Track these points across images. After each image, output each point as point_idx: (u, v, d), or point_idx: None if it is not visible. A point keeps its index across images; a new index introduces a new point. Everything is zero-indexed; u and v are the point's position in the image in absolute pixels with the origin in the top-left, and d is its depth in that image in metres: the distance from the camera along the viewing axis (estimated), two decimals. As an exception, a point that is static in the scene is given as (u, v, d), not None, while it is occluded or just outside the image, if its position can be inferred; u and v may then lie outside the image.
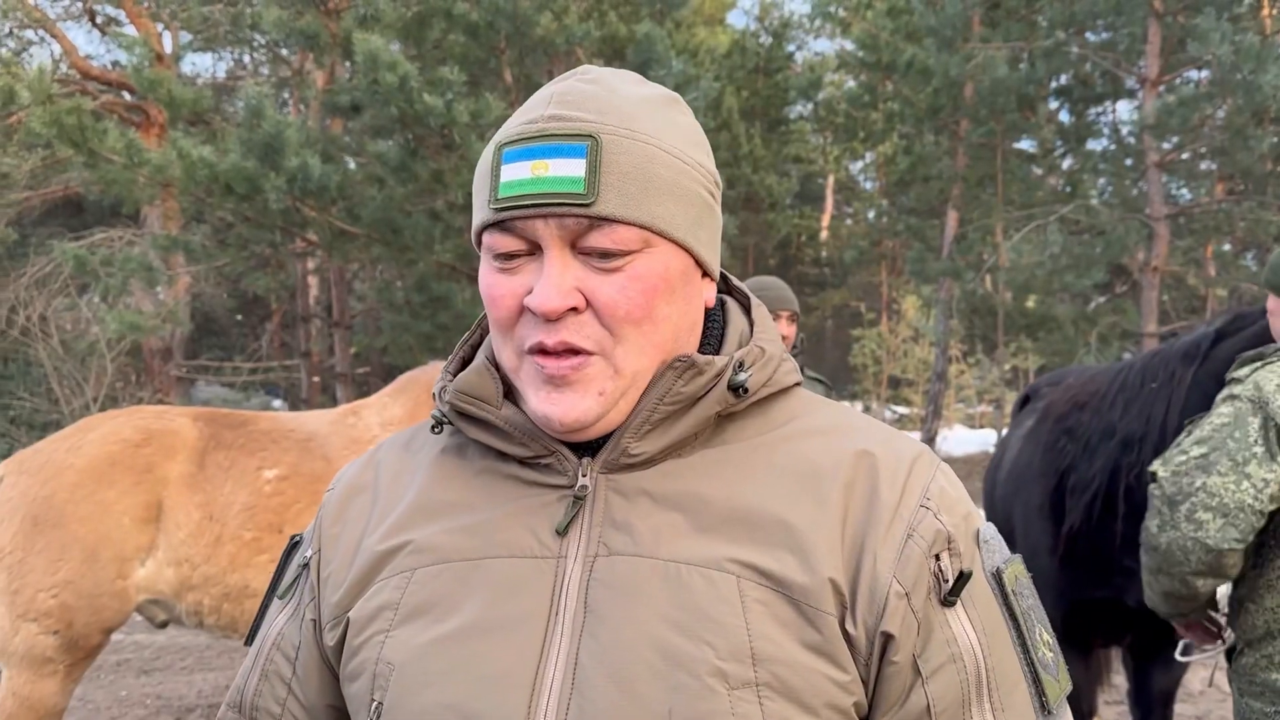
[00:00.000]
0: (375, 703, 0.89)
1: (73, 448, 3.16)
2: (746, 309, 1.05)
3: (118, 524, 3.08)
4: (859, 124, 18.39)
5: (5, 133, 14.51)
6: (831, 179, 28.78)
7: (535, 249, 0.88)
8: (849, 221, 29.44)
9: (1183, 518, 2.09)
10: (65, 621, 3.03)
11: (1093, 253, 12.54)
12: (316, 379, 14.00)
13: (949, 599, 0.88)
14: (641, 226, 0.87)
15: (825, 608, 0.84)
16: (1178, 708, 5.03)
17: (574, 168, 0.85)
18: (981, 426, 22.59)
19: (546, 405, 0.88)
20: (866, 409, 21.25)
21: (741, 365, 0.93)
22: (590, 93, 0.90)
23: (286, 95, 16.71)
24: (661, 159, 0.89)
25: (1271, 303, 2.39)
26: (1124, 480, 2.92)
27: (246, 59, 19.56)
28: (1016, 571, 0.94)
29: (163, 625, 3.39)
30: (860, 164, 28.05)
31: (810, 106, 24.09)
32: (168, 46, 16.13)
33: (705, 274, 0.97)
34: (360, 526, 1.01)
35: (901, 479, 0.91)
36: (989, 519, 4.04)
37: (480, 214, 0.91)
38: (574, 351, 0.87)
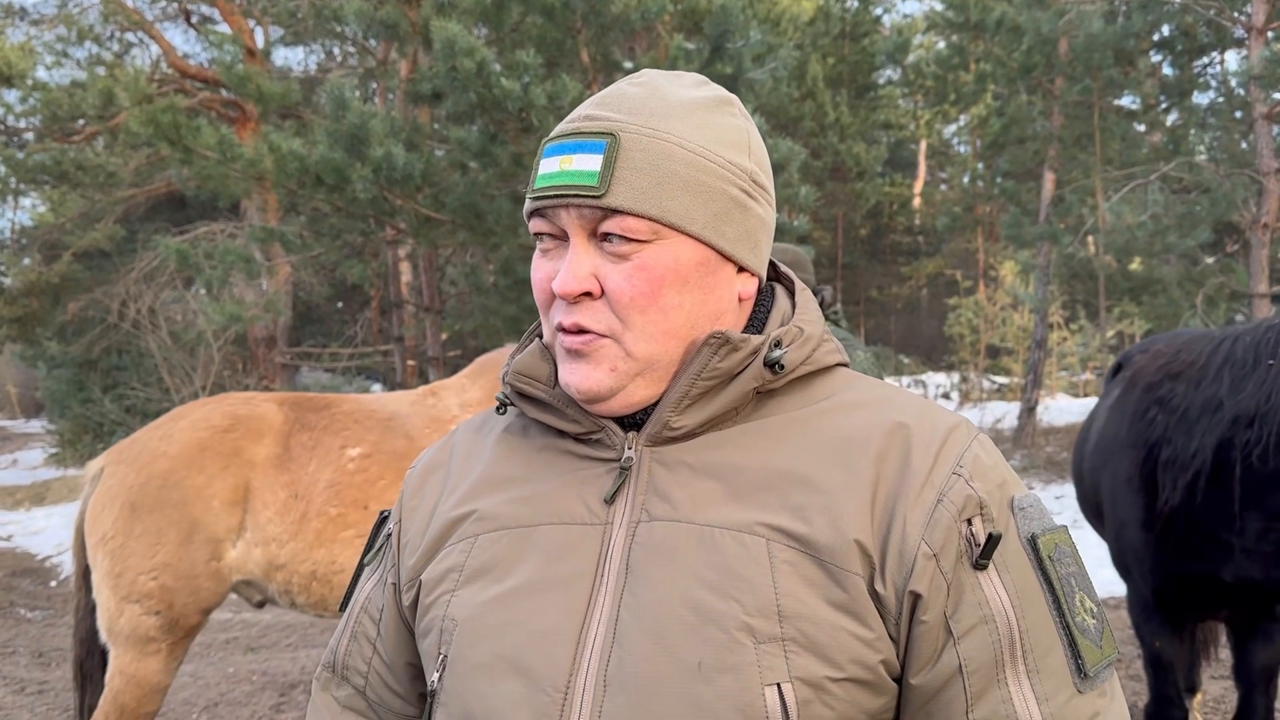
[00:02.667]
0: (441, 655, 0.99)
1: (165, 435, 3.30)
2: (793, 293, 1.11)
3: (208, 507, 3.22)
4: (950, 86, 17.87)
5: (110, 134, 15.12)
6: (924, 144, 28.12)
7: (566, 236, 0.98)
8: (943, 187, 28.76)
9: None
10: (166, 602, 3.18)
11: (1198, 211, 12.01)
12: (412, 363, 14.31)
13: (980, 562, 0.91)
14: (650, 219, 0.94)
15: (851, 568, 0.90)
16: (1288, 683, 4.83)
17: (592, 162, 0.94)
18: (1085, 395, 21.91)
19: (566, 374, 0.98)
20: (964, 379, 20.78)
21: (779, 343, 0.99)
22: (630, 94, 0.99)
23: (373, 86, 17.02)
24: (680, 156, 0.96)
25: None
26: (1239, 457, 2.82)
27: (336, 51, 19.99)
28: (1057, 539, 0.96)
29: (260, 605, 3.52)
30: (953, 128, 27.31)
31: (899, 71, 23.53)
32: (259, 42, 16.59)
33: (742, 269, 1.03)
34: (435, 498, 1.12)
35: (935, 448, 0.95)
36: (1078, 491, 3.94)
37: (527, 203, 1.02)
38: (586, 331, 0.96)
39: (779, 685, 0.86)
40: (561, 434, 1.05)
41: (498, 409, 1.11)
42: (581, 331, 0.96)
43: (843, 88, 23.99)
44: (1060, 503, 10.21)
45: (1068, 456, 13.18)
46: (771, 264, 1.12)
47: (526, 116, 7.71)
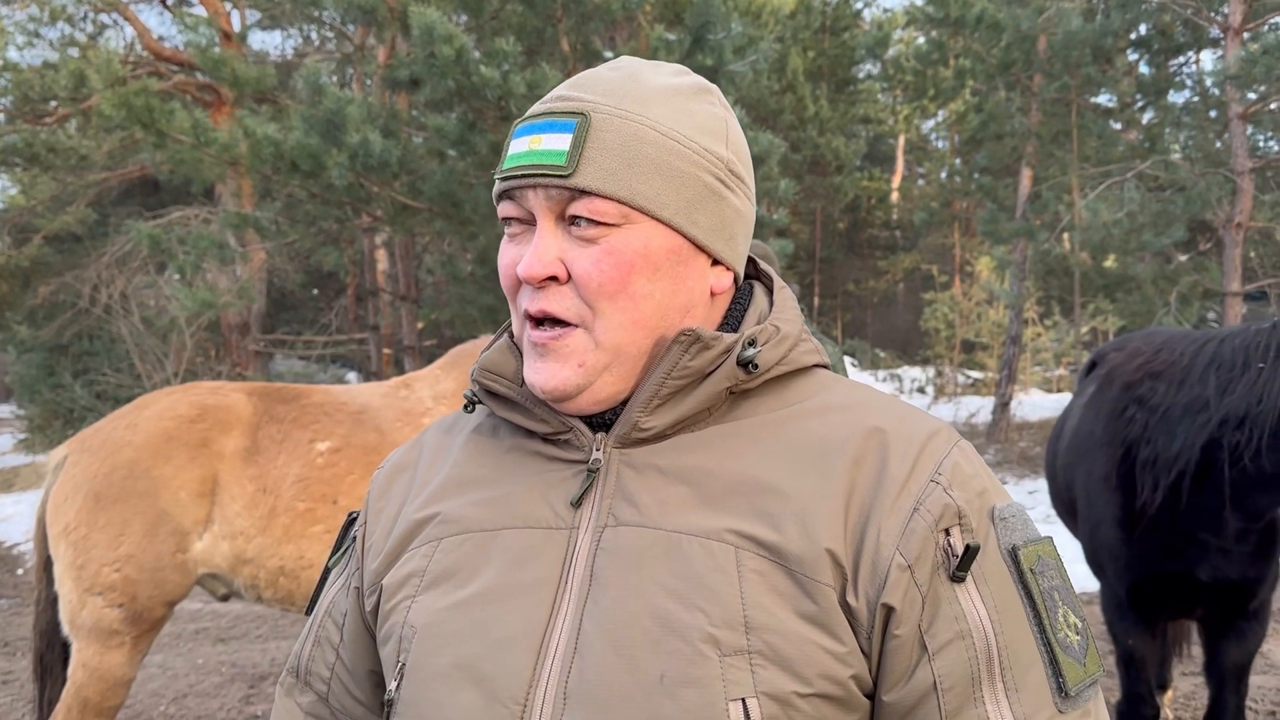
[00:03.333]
0: (400, 664, 0.95)
1: (130, 425, 3.24)
2: (771, 291, 1.07)
3: (175, 499, 3.16)
4: (929, 82, 17.91)
5: (82, 116, 14.91)
6: (902, 139, 28.20)
7: (533, 219, 0.94)
8: (920, 182, 28.84)
9: None
10: (129, 595, 3.12)
11: (1173, 209, 12.08)
12: (388, 352, 14.22)
13: (957, 574, 0.87)
14: (619, 201, 0.90)
15: (822, 578, 0.85)
16: (1259, 679, 4.88)
17: (560, 141, 0.91)
18: (1059, 391, 22.07)
19: (531, 373, 0.95)
20: (939, 374, 20.89)
21: (753, 342, 0.94)
22: (605, 77, 0.96)
23: (350, 71, 16.87)
24: (651, 138, 0.92)
25: None
26: (1226, 458, 2.83)
27: (313, 36, 19.80)
28: (1040, 551, 0.92)
29: (224, 599, 3.47)
30: (931, 123, 27.40)
31: (878, 65, 23.56)
32: (236, 25, 16.39)
33: (716, 261, 0.98)
34: (400, 500, 1.08)
35: (913, 454, 0.91)
36: (1050, 488, 3.94)
37: (495, 184, 0.97)
38: (556, 321, 0.92)
39: (744, 700, 0.82)
40: (530, 434, 1.01)
41: (466, 407, 1.07)
42: (549, 321, 0.93)
43: (822, 81, 24.00)
44: (1033, 498, 10.27)
45: (1041, 451, 13.27)
46: (751, 260, 1.08)
47: (506, 105, 7.66)
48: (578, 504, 0.94)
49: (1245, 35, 11.55)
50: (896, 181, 28.49)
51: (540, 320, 0.94)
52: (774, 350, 0.96)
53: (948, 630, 0.86)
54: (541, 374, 0.93)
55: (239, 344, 16.38)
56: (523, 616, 0.90)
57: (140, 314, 15.41)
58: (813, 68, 23.39)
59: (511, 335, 1.03)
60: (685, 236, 0.94)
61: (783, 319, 1.00)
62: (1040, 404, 18.72)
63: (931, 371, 21.33)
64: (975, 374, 21.69)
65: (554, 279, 0.92)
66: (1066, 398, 19.40)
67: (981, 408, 17.11)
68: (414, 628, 0.94)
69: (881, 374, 21.52)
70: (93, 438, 3.26)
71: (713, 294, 0.99)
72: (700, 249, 0.96)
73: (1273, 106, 12.36)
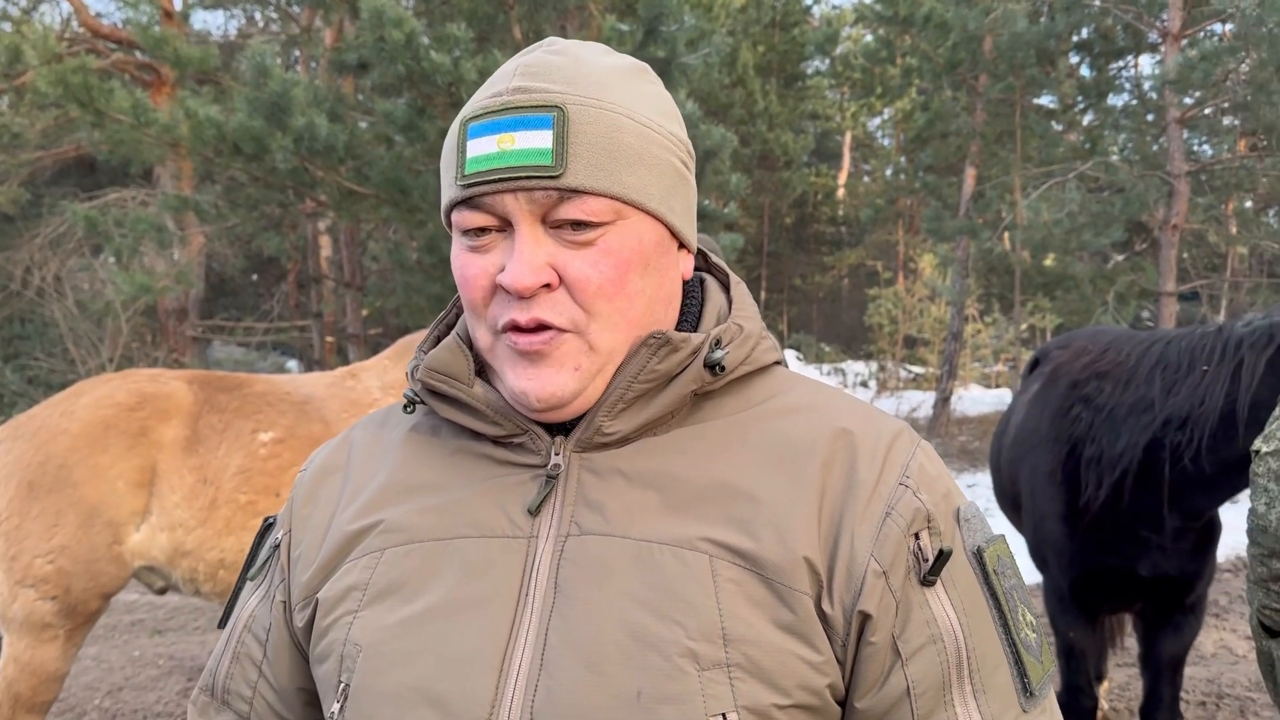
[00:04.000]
0: (342, 684, 0.89)
1: (66, 412, 3.14)
2: (726, 286, 1.04)
3: (112, 489, 3.07)
4: (876, 79, 18.11)
5: (16, 93, 14.47)
6: (849, 136, 28.47)
7: (505, 225, 0.87)
8: (866, 179, 29.16)
9: None
10: (63, 587, 3.03)
11: (1112, 210, 12.34)
12: (330, 340, 14.01)
13: (928, 578, 0.86)
14: (612, 197, 0.86)
15: (799, 586, 0.83)
16: (1191, 670, 5.01)
17: (541, 139, 0.84)
18: (997, 386, 22.46)
19: (523, 381, 0.88)
20: (882, 368, 21.15)
21: (718, 343, 0.92)
22: (556, 64, 0.89)
23: (296, 53, 16.58)
24: (629, 128, 0.88)
25: None
26: (1168, 458, 2.88)
27: (257, 16, 19.41)
28: (999, 551, 0.92)
29: (161, 591, 3.39)
30: (877, 120, 27.70)
31: (827, 62, 23.74)
32: (178, 3, 16.01)
33: (682, 246, 0.96)
34: (331, 507, 1.01)
35: (880, 457, 0.89)
36: (995, 483, 4.00)
37: (449, 192, 0.89)
38: (547, 327, 0.86)
39: (724, 715, 0.80)
40: (477, 435, 0.96)
41: (405, 408, 1.01)
42: (541, 328, 0.86)
43: (772, 76, 24.11)
44: (973, 491, 10.44)
45: (980, 446, 13.50)
46: (702, 253, 1.05)
47: (456, 91, 7.57)
48: (535, 511, 0.89)
49: (1183, 41, 11.81)
50: (843, 178, 28.76)
51: (523, 328, 0.87)
52: (739, 350, 0.94)
53: (920, 635, 0.85)
54: (536, 381, 0.87)
55: (176, 330, 16.03)
56: (480, 632, 0.85)
57: (74, 297, 15.03)
58: (762, 62, 23.49)
59: (454, 332, 0.99)
60: (666, 225, 0.92)
61: (743, 317, 0.98)
62: (980, 399, 19.04)
63: (874, 366, 21.58)
64: (917, 369, 21.99)
65: (545, 287, 0.86)
66: (1005, 393, 19.75)
67: (923, 402, 17.36)
68: (358, 645, 0.89)
69: (826, 368, 21.72)
70: (27, 425, 3.16)
71: (683, 280, 0.98)
72: (674, 236, 0.94)
73: (1208, 111, 12.68)
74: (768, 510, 0.86)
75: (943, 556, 0.86)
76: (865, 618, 0.84)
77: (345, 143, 7.81)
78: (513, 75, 0.89)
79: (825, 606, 0.84)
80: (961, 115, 15.19)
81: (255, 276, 22.70)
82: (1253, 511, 2.15)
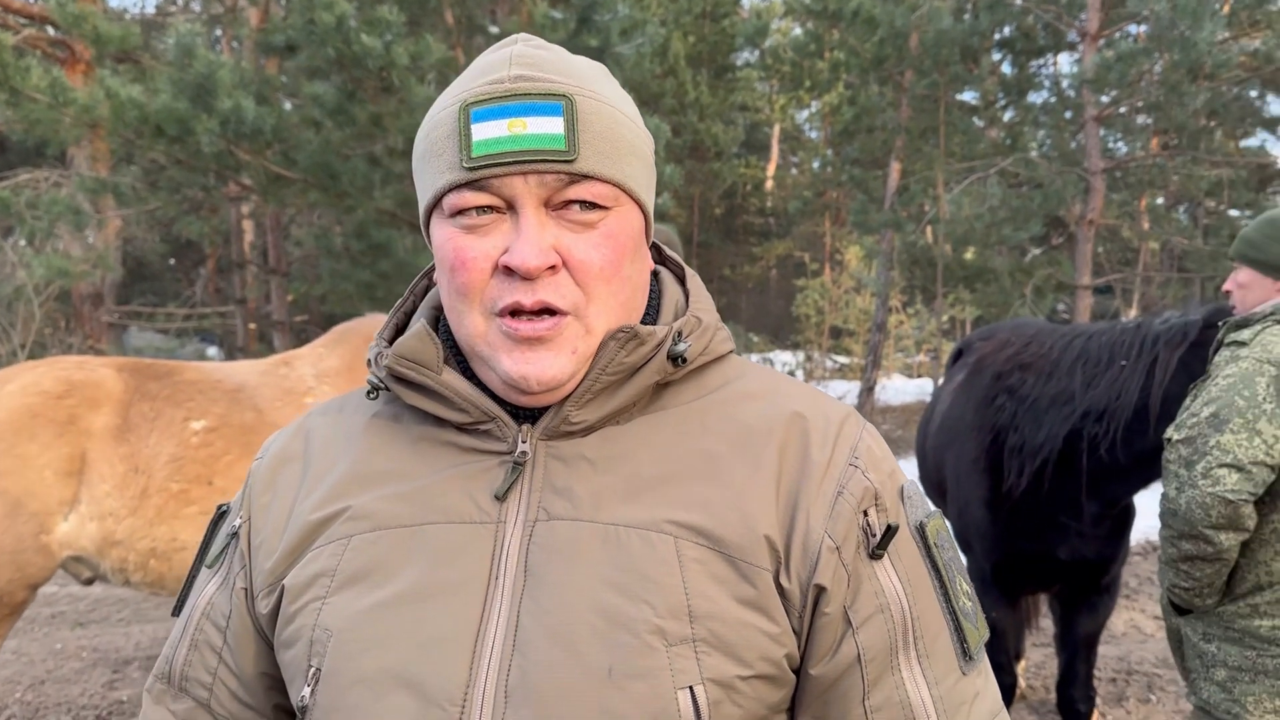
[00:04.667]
0: (313, 669, 0.91)
1: (-10, 400, 3.07)
2: (681, 279, 1.08)
3: (39, 478, 3.01)
4: (805, 73, 18.30)
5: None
6: (777, 128, 28.71)
7: (505, 208, 0.89)
8: (794, 171, 29.44)
9: (1200, 475, 2.18)
10: (-12, 577, 2.96)
11: (1031, 205, 12.68)
12: (253, 326, 13.75)
13: (876, 552, 0.91)
14: (615, 184, 0.90)
15: (760, 563, 0.88)
16: (1102, 649, 5.22)
17: (553, 125, 0.87)
18: (919, 376, 22.95)
19: (522, 366, 0.90)
20: (809, 358, 21.45)
21: (680, 335, 0.96)
22: (546, 57, 0.93)
23: (219, 33, 16.17)
24: (624, 121, 0.93)
25: (1244, 275, 2.49)
26: (1086, 448, 3.01)
27: (177, -6, 18.89)
28: (938, 525, 0.98)
29: (88, 582, 3.33)
30: (805, 113, 27.98)
31: (757, 54, 23.92)
32: (93, -21, 15.49)
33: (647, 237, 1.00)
34: (291, 495, 1.02)
35: (831, 439, 0.95)
36: (920, 469, 4.13)
37: (447, 175, 0.90)
38: (550, 312, 0.89)
39: (691, 688, 0.84)
40: (441, 422, 0.98)
41: (368, 394, 1.02)
42: (546, 313, 0.89)
43: (703, 67, 24.20)
44: (897, 479, 10.65)
45: (903, 434, 13.79)
46: (655, 246, 1.08)
47: (387, 76, 7.48)
48: (503, 497, 0.92)
49: (1101, 42, 12.17)
50: (771, 169, 29.01)
51: (520, 311, 0.89)
52: (698, 342, 0.98)
53: (869, 605, 0.90)
54: (535, 365, 0.89)
55: (92, 315, 15.57)
56: (452, 615, 0.87)
57: (-17, 281, 14.49)
58: (693, 53, 23.56)
59: (423, 320, 1.00)
60: (645, 216, 0.96)
61: (701, 309, 1.02)
62: (903, 389, 19.44)
63: (801, 356, 21.88)
64: (842, 359, 22.36)
65: (550, 269, 0.88)
66: (927, 383, 20.19)
67: (848, 391, 17.65)
68: (328, 631, 0.90)
69: (754, 358, 21.95)
70: (-52, 412, 3.07)
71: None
72: (647, 226, 0.98)
73: (1123, 110, 13.09)
74: (728, 492, 0.90)
75: (890, 532, 0.91)
76: (820, 590, 0.89)
77: (273, 126, 7.67)
78: (509, 64, 0.91)
79: (783, 581, 0.89)
80: (887, 110, 15.43)
81: (173, 261, 22.14)
82: (1164, 496, 2.28)
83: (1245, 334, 2.30)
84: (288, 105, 9.50)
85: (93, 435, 3.12)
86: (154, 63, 10.02)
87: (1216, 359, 2.33)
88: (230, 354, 16.43)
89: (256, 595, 1.00)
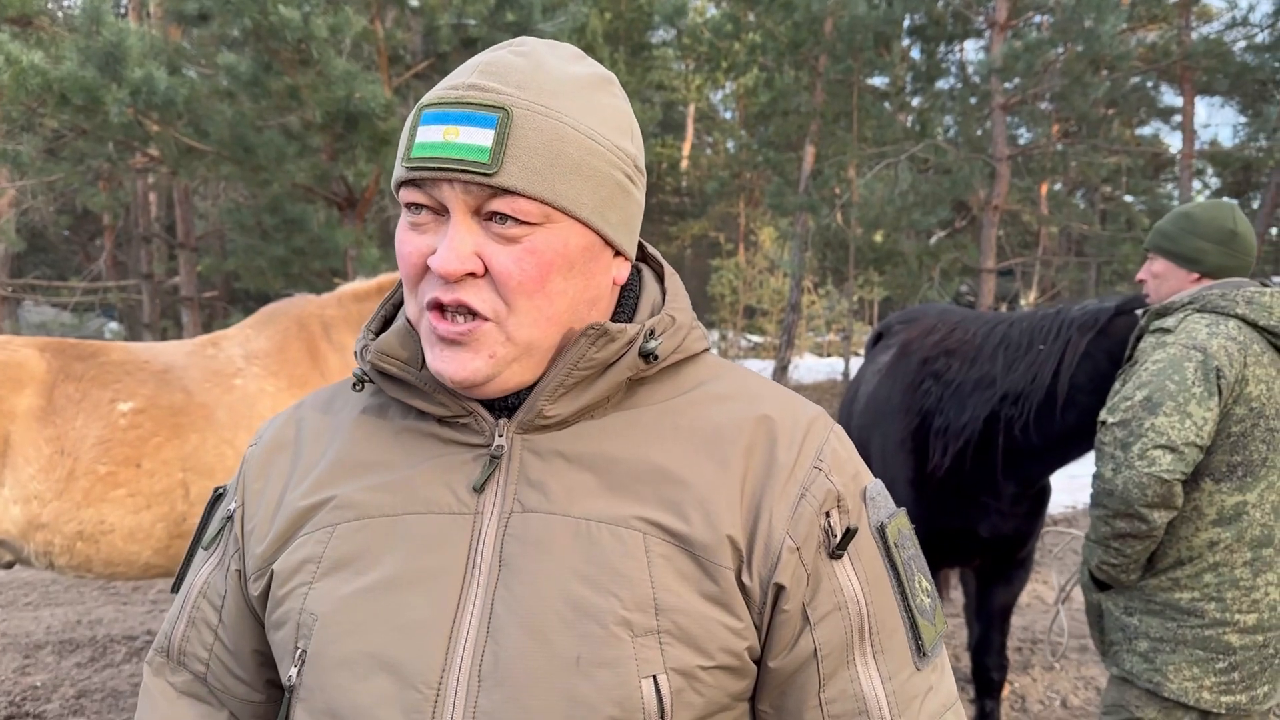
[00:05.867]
0: (299, 650, 0.95)
1: (-90, 381, 2.96)
2: (661, 277, 1.11)
3: (-37, 461, 2.92)
4: (722, 54, 18.38)
5: None
6: (692, 108, 28.80)
7: (443, 210, 0.93)
8: (709, 151, 29.59)
9: (1136, 456, 2.29)
10: (-93, 564, 2.87)
11: (939, 191, 13.03)
12: (156, 301, 13.33)
13: (836, 552, 0.96)
14: (543, 201, 0.91)
15: (723, 562, 0.92)
16: (1007, 620, 5.46)
17: (482, 137, 0.89)
18: (829, 355, 23.43)
19: (439, 362, 0.94)
20: (724, 337, 21.70)
21: (652, 333, 0.99)
22: (516, 65, 0.94)
23: (126, 0, 15.56)
24: (572, 138, 0.93)
25: (1158, 266, 2.62)
26: (1002, 430, 3.15)
27: (73, -46, 18.07)
28: (900, 525, 1.02)
29: (8, 566, 3.24)
30: (720, 94, 28.11)
31: (674, 33, 23.92)
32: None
33: (618, 253, 1.01)
34: (282, 482, 1.06)
35: (798, 442, 0.99)
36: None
37: (397, 170, 0.95)
38: (470, 313, 0.92)
39: (655, 677, 0.88)
40: (424, 415, 1.02)
41: (355, 386, 1.06)
42: (466, 313, 0.92)
43: (620, 45, 24.14)
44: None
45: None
46: (639, 243, 1.11)
47: (306, 48, 7.33)
48: (480, 489, 0.95)
49: (1008, 32, 12.53)
50: (687, 149, 29.12)
51: (445, 308, 0.93)
52: (671, 340, 1.01)
53: (827, 603, 0.95)
54: (451, 364, 0.93)
55: (-16, 288, 14.93)
56: (430, 602, 0.91)
57: None
58: (610, 30, 23.49)
59: (405, 317, 1.03)
60: (598, 233, 0.96)
61: (676, 308, 1.05)
62: (814, 367, 19.83)
63: (716, 335, 22.11)
64: (756, 338, 22.67)
65: (471, 274, 0.91)
66: (838, 361, 20.62)
67: (762, 370, 17.92)
68: (314, 614, 0.94)
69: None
70: None
71: (614, 284, 1.04)
72: (608, 244, 0.98)
73: (1023, 98, 13.50)
74: (696, 492, 0.94)
75: (849, 533, 0.95)
76: (780, 589, 0.93)
77: (185, 97, 7.46)
78: (472, 71, 0.93)
79: (745, 579, 0.93)
80: (803, 94, 15.63)
81: (67, 233, 21.30)
82: (1099, 476, 2.39)
83: (1169, 321, 2.42)
84: (193, 73, 9.21)
85: (16, 417, 3.04)
86: (56, 29, 9.62)
87: (1142, 345, 2.45)
88: (133, 329, 15.92)
89: (249, 578, 1.05)
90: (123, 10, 14.87)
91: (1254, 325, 2.39)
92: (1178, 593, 2.42)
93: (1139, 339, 2.51)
